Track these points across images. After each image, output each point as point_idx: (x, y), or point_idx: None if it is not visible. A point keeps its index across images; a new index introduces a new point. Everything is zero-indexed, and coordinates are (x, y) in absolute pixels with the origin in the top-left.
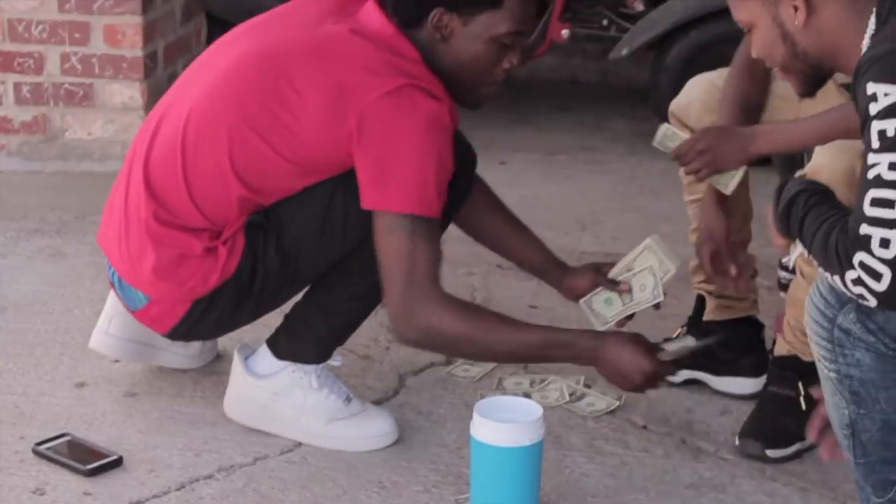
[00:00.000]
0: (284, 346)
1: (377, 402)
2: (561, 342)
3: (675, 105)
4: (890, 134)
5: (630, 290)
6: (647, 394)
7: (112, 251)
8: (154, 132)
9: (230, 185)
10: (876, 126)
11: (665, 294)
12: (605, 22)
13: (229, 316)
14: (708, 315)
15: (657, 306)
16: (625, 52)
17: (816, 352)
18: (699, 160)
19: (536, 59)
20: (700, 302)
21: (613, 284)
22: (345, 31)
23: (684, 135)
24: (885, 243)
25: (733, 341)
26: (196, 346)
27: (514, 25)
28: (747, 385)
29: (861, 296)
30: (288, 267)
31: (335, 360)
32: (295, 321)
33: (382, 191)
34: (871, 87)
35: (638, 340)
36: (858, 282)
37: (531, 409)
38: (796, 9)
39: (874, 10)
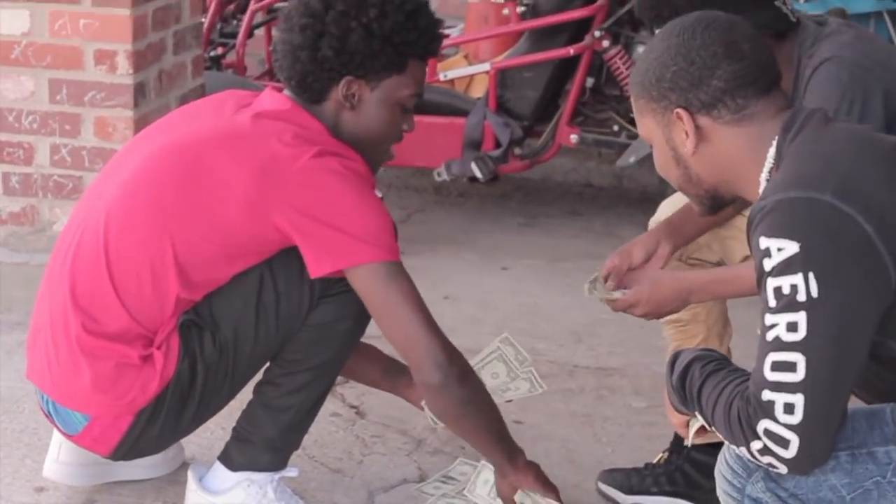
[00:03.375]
0: (236, 455)
1: None
2: (511, 440)
3: (654, 222)
4: (786, 292)
5: None
6: None
7: (43, 378)
8: (76, 246)
9: (169, 283)
10: (771, 283)
11: (542, 386)
12: (615, 127)
13: (173, 423)
14: (687, 441)
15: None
16: (632, 160)
17: None
18: (641, 314)
19: (550, 161)
20: None
21: None
22: (249, 116)
23: (617, 293)
24: (789, 409)
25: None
26: (158, 454)
27: (416, 88)
28: None
29: (770, 464)
30: (227, 359)
31: (291, 471)
32: (243, 426)
33: (348, 249)
34: (764, 242)
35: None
36: (765, 451)
37: None
38: (687, 135)
39: (774, 142)
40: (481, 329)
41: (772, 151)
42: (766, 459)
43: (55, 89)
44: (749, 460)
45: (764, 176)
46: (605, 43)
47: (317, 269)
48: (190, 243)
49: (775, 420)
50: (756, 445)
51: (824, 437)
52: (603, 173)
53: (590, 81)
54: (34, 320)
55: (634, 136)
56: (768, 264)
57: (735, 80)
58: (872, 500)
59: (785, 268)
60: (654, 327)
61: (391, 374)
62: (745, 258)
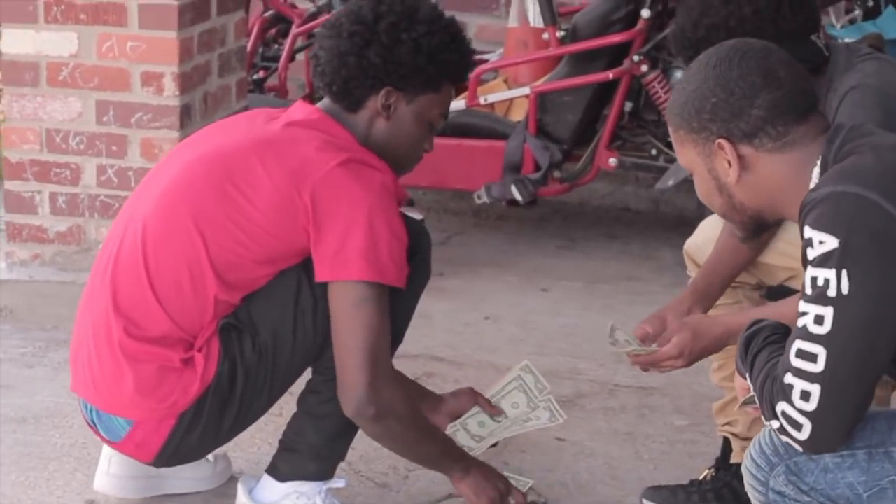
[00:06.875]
0: (283, 466)
1: None
2: (456, 453)
3: (690, 245)
4: (820, 284)
5: (502, 413)
6: None
7: (86, 387)
8: (115, 257)
9: (207, 285)
10: (810, 272)
11: (562, 416)
12: (653, 151)
13: (214, 427)
14: (735, 458)
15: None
16: (671, 182)
17: None
18: (684, 365)
19: (588, 185)
20: (727, 443)
21: (490, 406)
22: (280, 125)
23: (650, 347)
24: (805, 396)
25: None
26: (207, 467)
27: (445, 108)
28: None
29: (788, 443)
30: (266, 363)
31: (339, 482)
32: (288, 437)
33: (340, 261)
34: (808, 232)
35: (498, 474)
36: (782, 430)
37: None
38: (730, 164)
39: (818, 161)
40: (522, 349)
41: (816, 171)
42: (784, 438)
43: (102, 110)
44: (774, 448)
45: None
46: (644, 67)
47: (317, 275)
48: (223, 247)
49: (791, 404)
50: (774, 424)
51: (836, 427)
52: (640, 197)
53: (628, 105)
54: (76, 334)
55: (672, 160)
56: (810, 254)
57: (774, 108)
58: (888, 499)
59: (823, 261)
60: None
61: (414, 399)
62: (788, 279)
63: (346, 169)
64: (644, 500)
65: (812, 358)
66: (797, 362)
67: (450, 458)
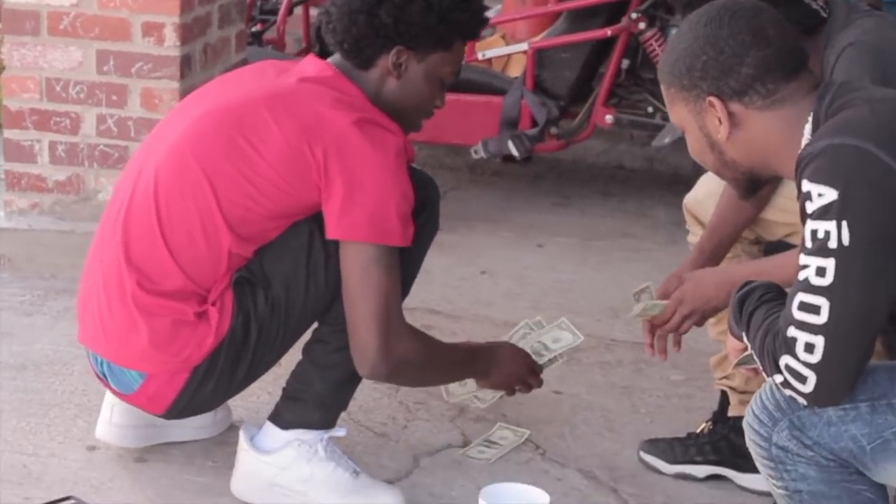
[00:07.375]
0: (286, 414)
1: (389, 482)
2: (472, 352)
3: (689, 199)
4: (820, 236)
5: None
6: (667, 489)
7: (97, 340)
8: (126, 209)
9: (221, 238)
10: (810, 226)
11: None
12: (650, 109)
13: (227, 379)
14: (732, 411)
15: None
16: (668, 140)
17: (762, 471)
18: (689, 320)
19: (582, 143)
20: (724, 397)
21: None
22: (293, 80)
23: (661, 302)
24: (809, 348)
25: None
26: (208, 416)
27: (456, 66)
28: None
29: (792, 397)
30: (279, 316)
31: (340, 431)
32: (293, 385)
33: (350, 221)
34: (806, 186)
35: (518, 349)
36: (786, 384)
37: (537, 497)
38: (720, 121)
39: (809, 117)
40: (518, 304)
41: (808, 127)
42: (788, 392)
43: (102, 60)
44: (776, 403)
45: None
46: (642, 25)
47: (328, 231)
48: (234, 202)
49: (796, 357)
50: (778, 378)
51: (841, 378)
52: (635, 155)
53: (625, 63)
54: (84, 285)
55: (668, 118)
56: (809, 207)
57: (764, 66)
58: (891, 450)
59: (822, 213)
60: None
61: (427, 340)
62: (787, 235)
63: (359, 129)
64: (642, 453)
65: (815, 310)
66: (800, 315)
67: (468, 370)
